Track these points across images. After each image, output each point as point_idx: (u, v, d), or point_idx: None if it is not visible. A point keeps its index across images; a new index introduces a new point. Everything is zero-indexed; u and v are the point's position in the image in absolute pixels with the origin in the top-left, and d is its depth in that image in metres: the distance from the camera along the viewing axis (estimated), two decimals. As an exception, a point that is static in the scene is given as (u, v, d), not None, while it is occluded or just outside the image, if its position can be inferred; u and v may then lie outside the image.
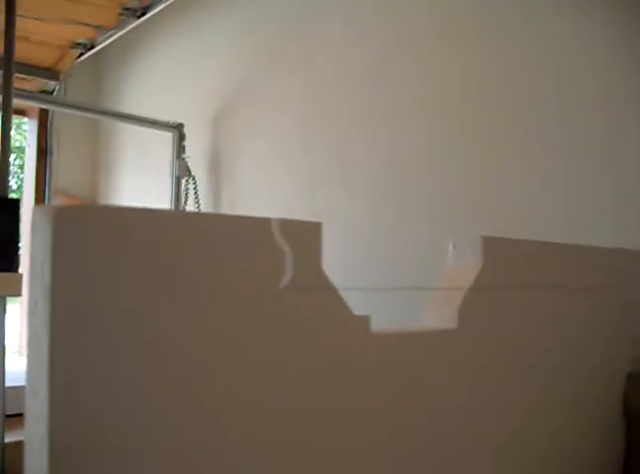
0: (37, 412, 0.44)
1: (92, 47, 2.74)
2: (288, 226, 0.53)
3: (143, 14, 2.52)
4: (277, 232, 0.52)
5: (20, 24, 2.52)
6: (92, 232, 0.43)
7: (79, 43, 2.73)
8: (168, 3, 2.41)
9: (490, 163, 1.45)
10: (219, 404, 0.50)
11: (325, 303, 0.56)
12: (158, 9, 2.45)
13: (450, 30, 1.56)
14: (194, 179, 2.45)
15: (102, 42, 2.70)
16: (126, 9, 2.48)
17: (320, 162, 1.97)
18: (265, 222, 0.52)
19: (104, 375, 0.44)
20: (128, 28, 2.58)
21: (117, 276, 0.45)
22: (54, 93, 2.99)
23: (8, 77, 1.85)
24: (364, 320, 0.59)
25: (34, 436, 0.44)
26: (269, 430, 0.53)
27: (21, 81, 2.84)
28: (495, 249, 0.71)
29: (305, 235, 0.55)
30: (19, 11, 2.49)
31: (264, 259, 0.52)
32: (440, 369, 0.66)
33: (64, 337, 0.43)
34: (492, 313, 0.71)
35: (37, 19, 2.50)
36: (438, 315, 0.68)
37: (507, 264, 0.73)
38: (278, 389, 0.53)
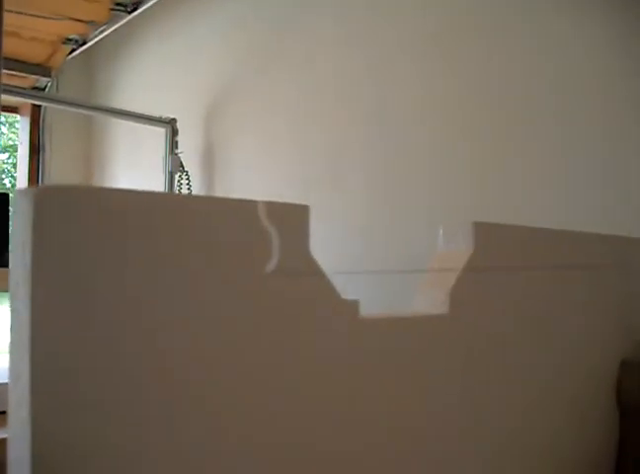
0: (19, 396, 0.43)
1: (84, 43, 2.73)
2: (275, 209, 0.52)
3: (135, 9, 2.51)
4: (263, 215, 0.52)
5: (10, 19, 2.51)
6: (75, 212, 0.43)
7: (71, 39, 2.71)
8: (159, -3, 2.40)
9: (490, 163, 1.45)
10: (203, 392, 0.50)
11: (313, 287, 0.55)
12: (150, 4, 2.44)
13: (448, 29, 1.56)
14: (187, 174, 2.44)
15: (94, 38, 2.69)
16: (118, 4, 2.47)
17: (314, 160, 1.96)
18: (251, 204, 0.51)
19: (87, 360, 0.44)
20: (120, 23, 2.57)
21: (100, 257, 0.44)
22: (46, 89, 2.98)
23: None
24: (353, 304, 0.58)
25: (16, 421, 0.43)
26: (256, 417, 0.52)
27: (12, 78, 2.82)
28: (486, 234, 0.70)
29: (292, 218, 0.54)
30: (9, 6, 2.48)
31: (250, 242, 0.52)
32: (433, 354, 0.66)
33: (46, 319, 0.42)
34: (484, 296, 0.71)
35: (27, 14, 2.48)
36: (429, 299, 0.68)
37: (498, 248, 0.73)
38: (263, 377, 0.52)
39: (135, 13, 2.52)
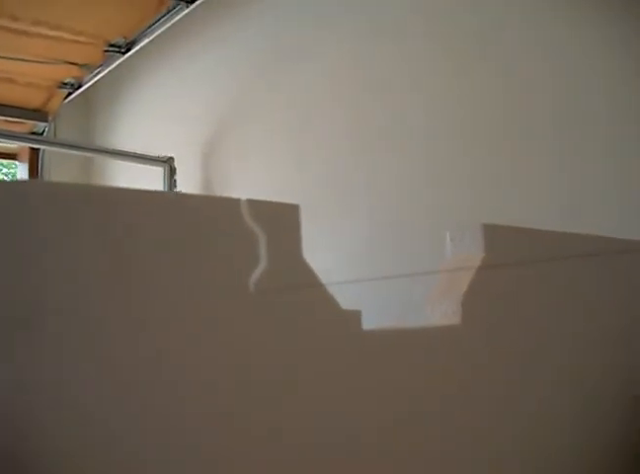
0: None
1: (79, 86, 2.72)
2: (260, 207, 0.47)
3: (128, 49, 2.50)
4: (246, 214, 0.46)
5: (5, 66, 2.51)
6: (36, 208, 0.37)
7: (66, 83, 2.71)
8: (152, 37, 2.39)
9: (491, 177, 1.40)
10: (196, 409, 0.43)
11: (307, 297, 0.49)
12: (143, 44, 2.43)
13: (449, 47, 1.53)
14: (187, 211, 2.39)
15: (89, 81, 2.68)
16: (112, 45, 2.46)
17: (316, 192, 1.92)
18: (232, 203, 0.46)
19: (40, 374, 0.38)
20: (115, 64, 2.56)
21: (61, 254, 0.38)
22: (44, 134, 2.96)
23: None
24: (354, 315, 0.52)
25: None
26: (253, 438, 0.46)
27: (9, 124, 2.81)
28: (496, 236, 0.65)
29: (280, 218, 0.48)
30: (4, 53, 2.49)
31: (233, 245, 0.46)
32: (443, 369, 0.59)
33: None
34: (497, 301, 0.65)
35: (22, 60, 2.48)
36: (440, 309, 0.61)
37: (508, 250, 0.67)
38: (255, 394, 0.46)
39: (129, 54, 2.51)
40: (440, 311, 0.62)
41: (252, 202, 0.46)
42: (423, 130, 1.58)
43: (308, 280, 0.49)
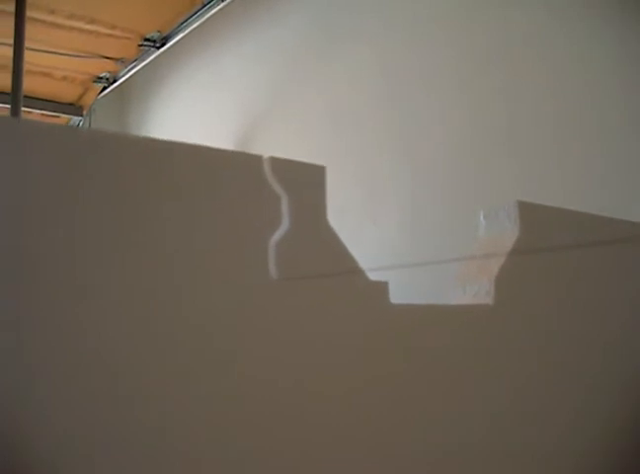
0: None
1: (114, 81, 2.74)
2: (284, 167, 0.44)
3: (163, 44, 2.51)
4: (269, 172, 0.44)
5: (41, 60, 2.53)
6: (29, 148, 0.35)
7: (101, 77, 2.72)
8: (187, 32, 2.39)
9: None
10: (214, 380, 0.41)
11: (329, 258, 0.46)
12: (177, 38, 2.43)
13: (471, 55, 1.50)
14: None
15: (124, 75, 2.69)
16: (146, 39, 2.47)
17: (347, 193, 1.89)
18: (256, 160, 0.43)
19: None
20: (149, 59, 2.57)
21: (61, 199, 0.36)
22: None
23: (16, 111, 1.80)
24: (382, 286, 0.49)
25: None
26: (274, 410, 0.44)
27: (44, 118, 2.84)
28: (531, 214, 0.61)
29: (305, 178, 0.46)
30: (40, 46, 2.51)
31: (255, 203, 0.44)
32: (470, 350, 0.56)
33: None
34: (531, 282, 0.61)
35: (58, 54, 2.50)
36: (473, 289, 0.58)
37: (544, 230, 0.63)
38: (275, 363, 0.44)
39: (164, 48, 2.52)
40: (472, 291, 0.59)
41: (275, 160, 0.44)
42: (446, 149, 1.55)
43: (332, 245, 0.46)
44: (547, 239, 0.65)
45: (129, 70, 2.66)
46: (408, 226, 1.68)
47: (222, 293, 0.42)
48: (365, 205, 1.82)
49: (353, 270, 0.47)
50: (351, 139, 1.90)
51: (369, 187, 1.83)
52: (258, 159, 0.43)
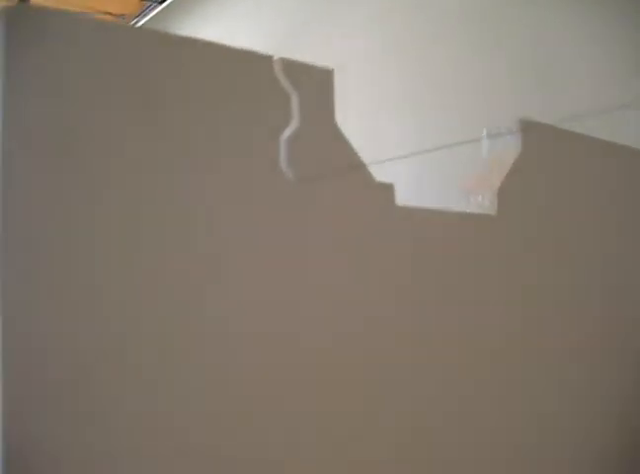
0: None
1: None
2: (294, 68, 0.46)
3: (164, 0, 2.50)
4: (280, 72, 0.45)
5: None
6: (58, 39, 0.37)
7: (103, 35, 2.71)
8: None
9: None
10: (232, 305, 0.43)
11: (336, 158, 0.48)
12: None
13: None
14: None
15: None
16: (148, -6, 2.47)
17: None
18: (265, 59, 0.45)
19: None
20: (151, 15, 2.56)
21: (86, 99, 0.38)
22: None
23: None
24: (388, 188, 0.51)
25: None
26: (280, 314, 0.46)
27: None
28: (533, 132, 0.63)
29: (314, 80, 0.47)
30: (40, 1, 2.50)
31: (266, 102, 0.45)
32: (476, 255, 0.58)
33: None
34: (531, 199, 0.63)
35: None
36: (473, 199, 0.60)
37: (546, 149, 0.65)
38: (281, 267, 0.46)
39: (165, 3, 2.51)
40: (476, 201, 0.61)
41: (285, 61, 0.45)
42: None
43: (340, 146, 0.48)
44: (549, 155, 0.67)
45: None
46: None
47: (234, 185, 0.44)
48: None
49: (359, 170, 0.49)
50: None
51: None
52: (269, 59, 0.45)
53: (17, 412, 0.34)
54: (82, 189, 0.37)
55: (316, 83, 0.47)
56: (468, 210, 0.59)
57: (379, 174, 0.51)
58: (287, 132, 0.45)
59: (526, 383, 0.63)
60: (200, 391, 0.41)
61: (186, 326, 0.40)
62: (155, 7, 2.50)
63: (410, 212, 0.52)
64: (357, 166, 0.49)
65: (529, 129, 0.64)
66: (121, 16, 2.60)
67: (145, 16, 2.57)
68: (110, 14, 2.58)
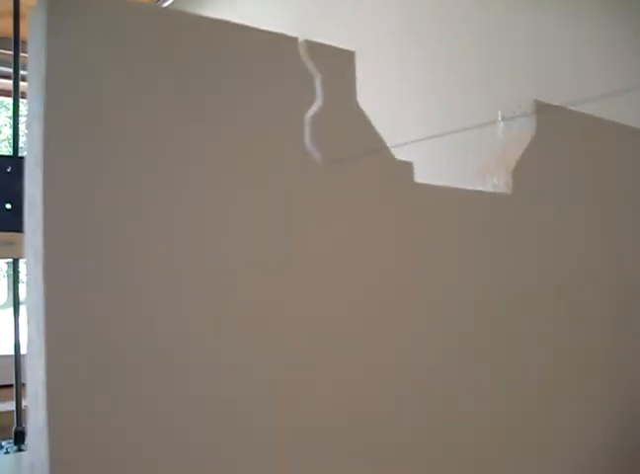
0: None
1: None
2: (317, 49, 0.48)
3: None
4: (304, 53, 0.47)
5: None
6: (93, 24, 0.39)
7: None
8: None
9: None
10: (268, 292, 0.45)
11: (359, 137, 0.50)
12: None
13: None
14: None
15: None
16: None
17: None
18: (291, 40, 0.47)
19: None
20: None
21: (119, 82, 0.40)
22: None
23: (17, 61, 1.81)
24: (407, 166, 0.53)
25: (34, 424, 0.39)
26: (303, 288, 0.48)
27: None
28: (548, 114, 0.64)
29: (337, 61, 0.49)
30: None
31: (290, 81, 0.47)
32: (488, 236, 0.60)
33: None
34: (546, 180, 0.65)
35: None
36: (489, 180, 0.62)
37: (561, 131, 0.67)
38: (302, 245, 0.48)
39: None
40: (492, 182, 0.62)
41: (310, 43, 0.47)
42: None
43: (362, 125, 0.50)
44: (564, 137, 0.68)
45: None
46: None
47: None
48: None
49: (380, 149, 0.51)
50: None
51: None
52: (294, 40, 0.47)
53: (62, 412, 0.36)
54: (113, 173, 0.39)
55: (338, 64, 0.49)
56: (485, 188, 0.61)
57: (399, 153, 0.53)
58: (311, 112, 0.47)
59: (541, 368, 0.65)
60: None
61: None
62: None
63: (427, 189, 0.54)
64: (378, 145, 0.51)
65: (545, 110, 0.65)
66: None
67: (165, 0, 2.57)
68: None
